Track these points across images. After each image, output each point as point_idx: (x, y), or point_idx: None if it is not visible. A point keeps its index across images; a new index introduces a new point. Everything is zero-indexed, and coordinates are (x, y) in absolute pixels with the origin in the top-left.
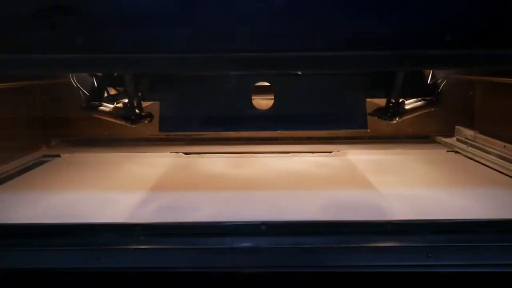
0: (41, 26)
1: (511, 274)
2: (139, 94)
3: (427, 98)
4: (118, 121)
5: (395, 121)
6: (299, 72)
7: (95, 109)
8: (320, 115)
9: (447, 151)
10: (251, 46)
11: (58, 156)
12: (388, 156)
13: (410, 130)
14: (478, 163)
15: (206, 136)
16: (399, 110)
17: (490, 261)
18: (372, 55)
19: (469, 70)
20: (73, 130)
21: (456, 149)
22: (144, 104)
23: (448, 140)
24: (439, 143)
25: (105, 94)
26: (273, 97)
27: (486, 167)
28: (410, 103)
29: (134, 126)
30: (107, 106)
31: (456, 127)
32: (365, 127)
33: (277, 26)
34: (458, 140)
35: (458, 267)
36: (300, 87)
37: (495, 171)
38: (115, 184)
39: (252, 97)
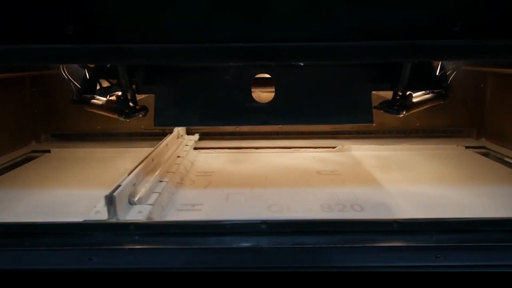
0: (29, 15)
1: None
2: (133, 86)
3: (436, 91)
4: (111, 115)
5: (402, 115)
6: (301, 64)
7: (87, 102)
8: (323, 109)
9: (457, 146)
10: (251, 35)
11: (48, 151)
12: (395, 151)
13: (418, 124)
14: (489, 159)
15: (204, 130)
16: (406, 103)
17: (501, 261)
18: (378, 45)
19: (480, 61)
20: (64, 124)
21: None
22: (139, 97)
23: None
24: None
25: (98, 87)
26: (274, 89)
27: (498, 164)
28: (417, 96)
29: (128, 120)
30: (100, 99)
31: None
32: (371, 121)
33: (278, 15)
34: None
35: (467, 268)
36: (302, 79)
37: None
38: (108, 181)
39: (252, 90)
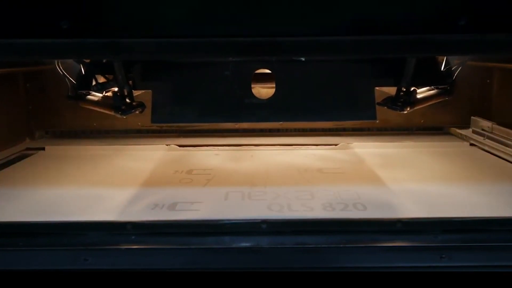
0: (23, 9)
1: None
2: (130, 82)
3: (441, 87)
4: (107, 111)
5: (406, 111)
6: (303, 59)
7: (83, 98)
8: (325, 105)
9: (462, 143)
10: (251, 30)
11: (43, 149)
12: (398, 149)
13: (422, 121)
14: (495, 157)
15: (202, 127)
16: (410, 100)
17: (508, 261)
18: (381, 40)
19: (486, 56)
20: (59, 121)
21: (472, 141)
22: (135, 93)
23: (464, 131)
24: (453, 135)
25: (93, 82)
26: (274, 85)
27: (504, 161)
28: (422, 92)
29: (124, 117)
30: (96, 95)
31: (472, 118)
32: (374, 117)
33: (279, 8)
34: (474, 131)
35: (473, 268)
36: (304, 74)
37: None
38: (104, 179)
39: (252, 86)
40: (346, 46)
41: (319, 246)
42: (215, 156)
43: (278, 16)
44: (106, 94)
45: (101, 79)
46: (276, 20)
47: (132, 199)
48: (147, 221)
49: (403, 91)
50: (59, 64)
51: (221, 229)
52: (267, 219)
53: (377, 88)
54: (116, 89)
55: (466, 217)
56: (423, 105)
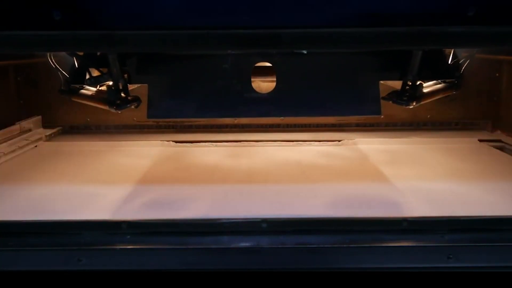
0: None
1: None
2: (125, 75)
3: (448, 81)
4: (101, 106)
5: (412, 106)
6: (304, 51)
7: (76, 92)
8: (328, 100)
9: (470, 139)
10: (251, 21)
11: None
12: (404, 145)
13: (428, 116)
14: (506, 154)
15: (200, 122)
16: (417, 94)
17: None
18: (386, 32)
19: (495, 48)
20: (51, 116)
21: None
22: (131, 87)
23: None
24: (460, 130)
25: (87, 76)
26: (275, 79)
27: None
28: (428, 86)
29: (119, 112)
30: (89, 89)
31: None
32: (379, 112)
33: None
34: None
35: (481, 269)
36: (306, 68)
37: None
38: (98, 177)
39: (252, 79)
40: (350, 38)
41: (322, 246)
42: (213, 153)
43: (279, 7)
44: (100, 88)
45: (95, 73)
46: (277, 11)
47: (127, 197)
48: (143, 220)
49: (409, 85)
50: (52, 56)
51: (220, 228)
52: (267, 218)
53: (382, 82)
54: (110, 83)
55: (474, 216)
56: (429, 100)
